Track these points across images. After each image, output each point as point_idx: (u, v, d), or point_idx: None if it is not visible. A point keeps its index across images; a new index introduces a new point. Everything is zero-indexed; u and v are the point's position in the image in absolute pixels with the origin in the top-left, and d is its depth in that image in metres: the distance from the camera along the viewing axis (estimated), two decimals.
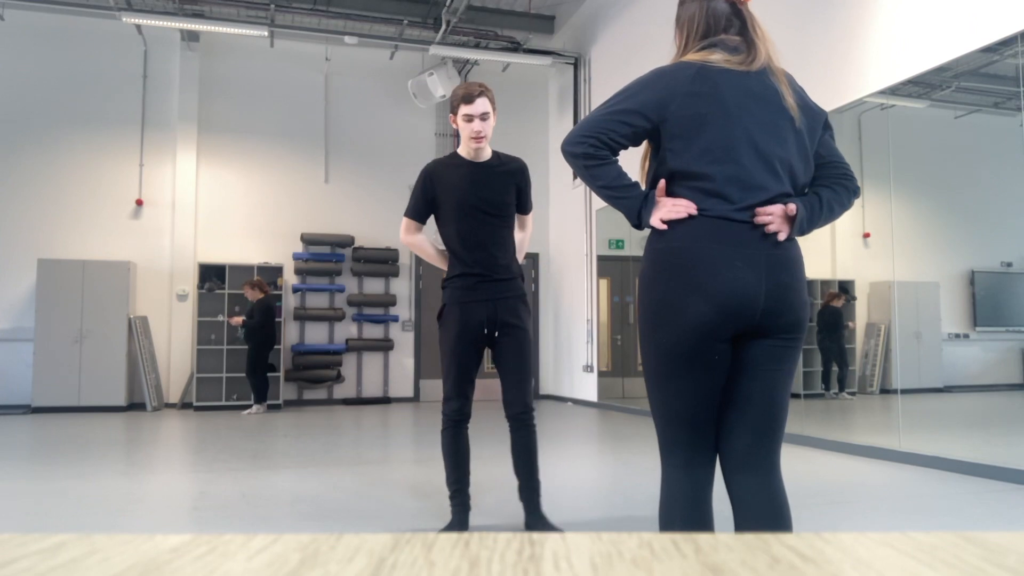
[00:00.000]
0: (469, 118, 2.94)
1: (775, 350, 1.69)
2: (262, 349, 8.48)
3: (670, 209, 1.68)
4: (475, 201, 2.97)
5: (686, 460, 1.70)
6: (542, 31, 10.32)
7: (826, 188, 1.79)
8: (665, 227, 1.69)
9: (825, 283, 5.89)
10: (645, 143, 1.80)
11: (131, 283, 8.92)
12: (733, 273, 1.62)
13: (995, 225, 4.73)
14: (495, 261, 2.99)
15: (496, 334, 2.99)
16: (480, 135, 2.95)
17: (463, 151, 3.06)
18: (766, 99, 1.72)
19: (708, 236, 1.64)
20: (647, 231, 1.79)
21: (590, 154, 1.71)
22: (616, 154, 1.74)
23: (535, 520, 3.02)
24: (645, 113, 1.70)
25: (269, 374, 9.31)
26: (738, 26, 1.80)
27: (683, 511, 1.69)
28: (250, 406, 8.79)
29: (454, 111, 3.00)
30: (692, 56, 1.76)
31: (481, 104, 2.94)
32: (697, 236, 1.65)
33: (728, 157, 1.67)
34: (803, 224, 1.70)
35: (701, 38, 1.80)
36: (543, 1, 9.96)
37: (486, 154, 3.05)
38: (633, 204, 1.73)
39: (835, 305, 5.72)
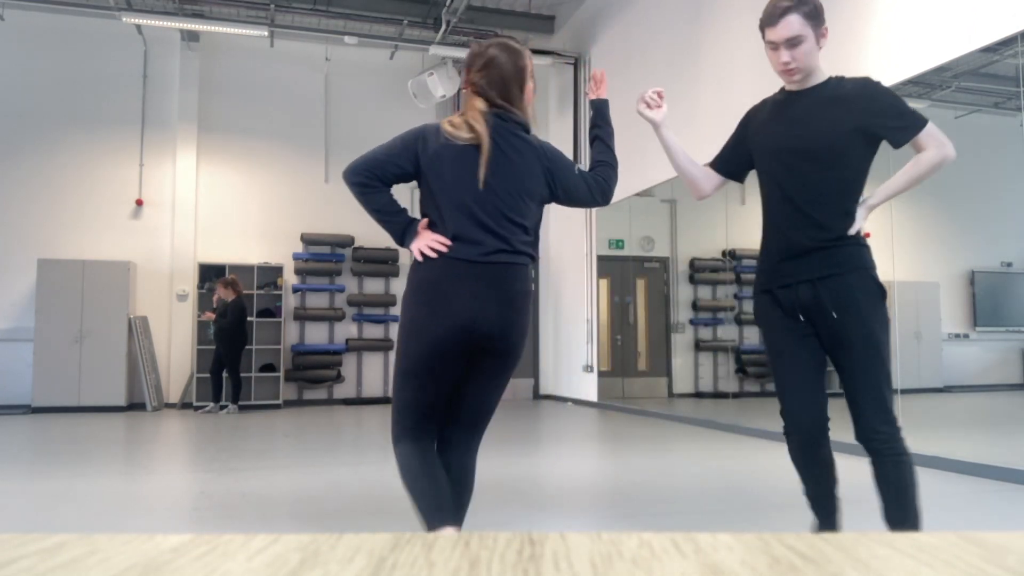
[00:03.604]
0: (774, 45, 2.17)
1: (494, 366, 2.17)
2: (234, 350, 8.44)
3: (427, 244, 2.11)
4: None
5: (412, 438, 2.18)
6: (542, 31, 10.32)
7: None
8: (421, 258, 2.13)
9: None
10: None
11: (131, 283, 8.92)
12: (461, 304, 2.07)
13: (995, 225, 4.73)
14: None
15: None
16: (788, 66, 2.16)
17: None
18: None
19: (448, 274, 2.10)
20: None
21: (364, 183, 2.16)
22: (388, 185, 2.19)
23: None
24: (403, 164, 2.18)
25: (269, 374, 9.32)
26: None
27: (416, 468, 2.15)
28: (225, 405, 8.66)
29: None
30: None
31: (784, 26, 2.11)
32: (441, 273, 2.10)
33: (456, 213, 2.12)
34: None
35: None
36: (543, 1, 9.96)
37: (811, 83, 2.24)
38: (398, 227, 2.19)
39: None
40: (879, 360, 2.12)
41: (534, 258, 2.21)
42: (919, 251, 5.11)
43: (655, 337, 9.05)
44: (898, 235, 5.12)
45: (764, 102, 2.35)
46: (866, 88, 2.16)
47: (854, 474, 4.43)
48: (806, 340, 2.20)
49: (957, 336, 4.97)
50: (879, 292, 2.15)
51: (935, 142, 2.12)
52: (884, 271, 5.27)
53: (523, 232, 2.17)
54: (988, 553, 0.37)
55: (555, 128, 10.58)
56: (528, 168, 2.19)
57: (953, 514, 3.39)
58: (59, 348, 8.53)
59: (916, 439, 4.75)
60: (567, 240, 10.24)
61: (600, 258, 9.35)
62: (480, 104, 2.20)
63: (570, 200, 2.30)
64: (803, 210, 2.15)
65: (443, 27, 9.13)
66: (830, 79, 2.22)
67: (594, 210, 9.37)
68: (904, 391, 5.08)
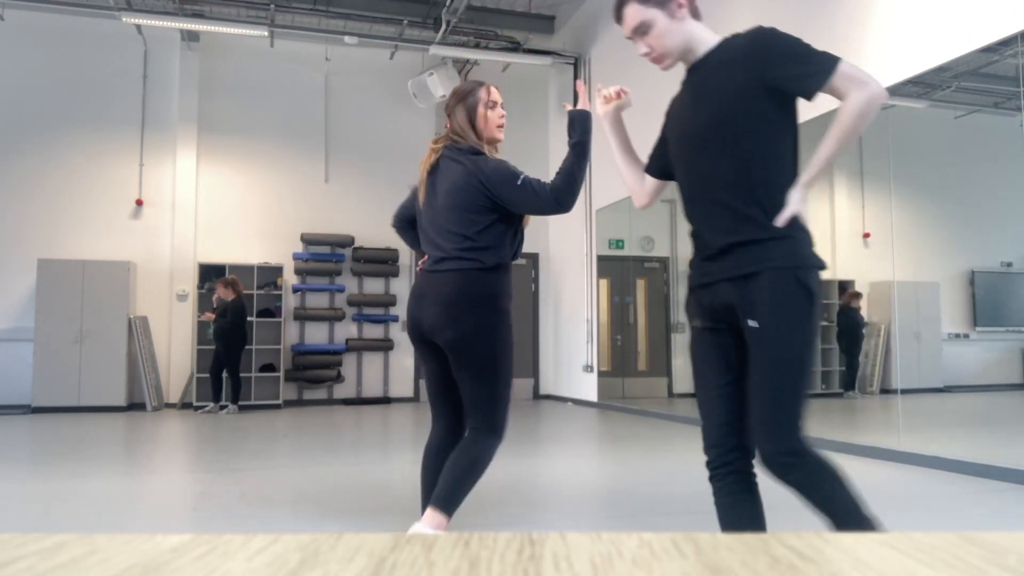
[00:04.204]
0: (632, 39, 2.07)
1: (451, 355, 2.54)
2: (234, 350, 8.44)
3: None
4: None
5: (432, 425, 2.73)
6: (542, 31, 10.31)
7: None
8: None
9: (826, 283, 5.89)
10: None
11: (131, 283, 8.92)
12: (413, 308, 2.61)
13: (995, 225, 4.73)
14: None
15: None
16: (649, 55, 1.99)
17: None
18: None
19: (414, 285, 2.65)
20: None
21: (396, 226, 2.87)
22: (413, 226, 2.80)
23: None
24: (411, 207, 2.80)
25: (269, 374, 9.32)
26: None
27: (426, 448, 2.71)
28: (225, 405, 8.64)
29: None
30: None
31: (627, 20, 1.99)
32: (413, 285, 2.67)
33: (422, 235, 2.70)
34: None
35: None
36: (543, 1, 9.96)
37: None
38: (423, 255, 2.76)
39: (853, 306, 5.72)
40: (784, 375, 1.75)
41: (482, 261, 2.52)
42: (919, 251, 5.11)
43: (655, 337, 9.05)
44: (898, 235, 5.12)
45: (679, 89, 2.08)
46: (757, 40, 1.83)
47: (853, 474, 4.43)
48: (723, 349, 1.89)
49: (957, 336, 4.97)
50: (801, 294, 1.75)
51: (854, 83, 1.72)
52: (884, 271, 5.28)
53: (463, 240, 2.51)
54: (988, 553, 0.37)
55: (555, 128, 10.58)
56: (462, 185, 2.54)
57: (953, 514, 3.39)
58: (59, 348, 8.53)
59: (916, 439, 4.76)
60: (567, 240, 10.23)
61: (600, 258, 9.35)
62: (431, 143, 2.72)
63: (516, 208, 2.53)
64: (717, 200, 1.84)
65: (443, 27, 9.13)
66: (722, 41, 1.92)
67: (594, 210, 9.37)
68: (904, 391, 5.08)
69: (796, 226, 1.78)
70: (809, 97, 1.77)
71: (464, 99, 2.64)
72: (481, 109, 2.62)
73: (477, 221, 2.51)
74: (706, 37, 1.93)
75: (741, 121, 1.81)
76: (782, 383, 1.75)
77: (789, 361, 1.75)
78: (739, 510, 1.87)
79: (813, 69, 1.74)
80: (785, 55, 1.78)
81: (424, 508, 2.59)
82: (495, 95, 2.68)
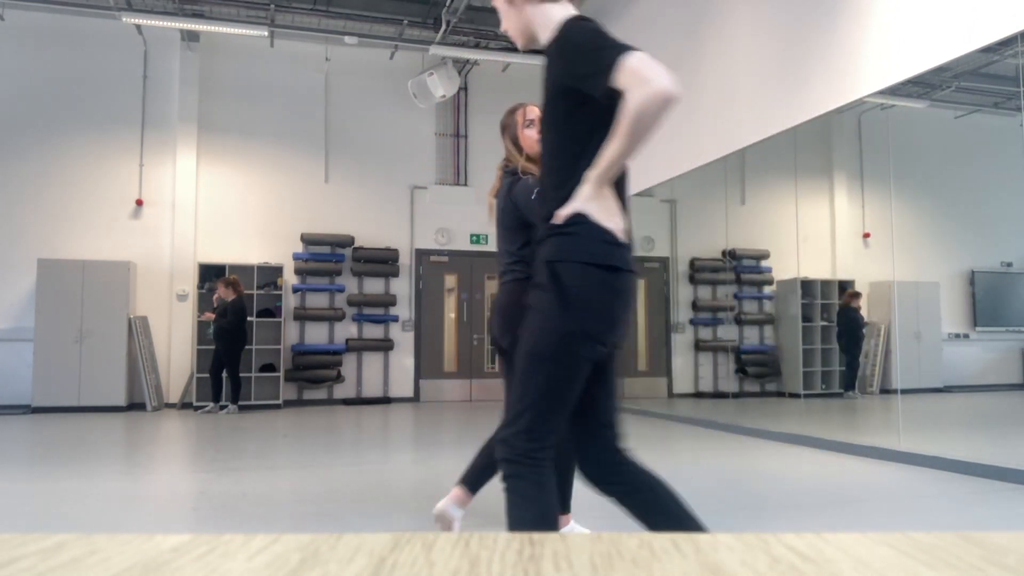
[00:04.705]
0: None
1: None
2: (234, 350, 8.44)
3: None
4: None
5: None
6: None
7: None
8: None
9: (825, 283, 5.90)
10: None
11: (131, 283, 8.92)
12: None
13: (995, 225, 4.74)
14: None
15: None
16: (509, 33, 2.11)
17: None
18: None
19: None
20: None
21: None
22: None
23: None
24: None
25: (269, 374, 9.31)
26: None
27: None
28: (225, 405, 8.63)
29: None
30: None
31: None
32: None
33: None
34: None
35: None
36: None
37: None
38: None
39: (853, 306, 5.71)
40: (521, 368, 1.70)
41: (526, 274, 2.68)
42: (919, 251, 5.11)
43: (655, 337, 9.05)
44: (898, 235, 5.12)
45: None
46: (558, 36, 1.74)
47: (853, 474, 4.43)
48: None
49: (957, 336, 4.98)
50: (551, 286, 1.68)
51: (635, 80, 1.53)
52: (884, 271, 5.28)
53: (510, 255, 2.76)
54: (988, 553, 0.37)
55: None
56: (503, 206, 2.80)
57: (953, 514, 3.39)
58: (59, 348, 8.52)
59: (916, 439, 4.76)
60: None
61: None
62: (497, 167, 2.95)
63: (535, 221, 2.74)
64: (542, 194, 1.84)
65: (443, 27, 9.13)
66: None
67: None
68: (904, 391, 5.08)
69: (579, 222, 1.67)
70: (598, 96, 1.65)
71: (506, 123, 2.88)
72: (519, 130, 2.84)
73: (517, 238, 2.75)
74: (549, 24, 1.80)
75: (549, 119, 1.77)
76: (519, 376, 1.70)
77: (525, 354, 1.69)
78: (642, 507, 1.84)
79: (596, 68, 1.60)
80: (575, 53, 1.68)
81: (462, 480, 3.04)
82: (531, 113, 2.84)
